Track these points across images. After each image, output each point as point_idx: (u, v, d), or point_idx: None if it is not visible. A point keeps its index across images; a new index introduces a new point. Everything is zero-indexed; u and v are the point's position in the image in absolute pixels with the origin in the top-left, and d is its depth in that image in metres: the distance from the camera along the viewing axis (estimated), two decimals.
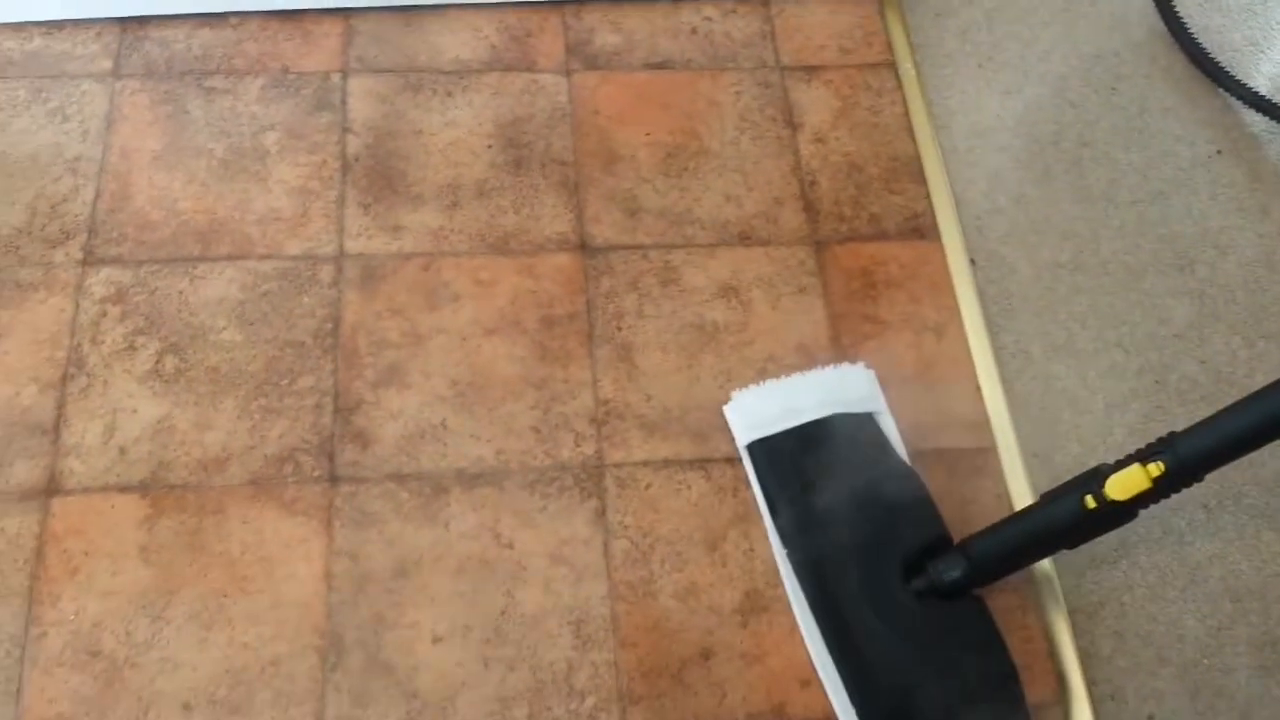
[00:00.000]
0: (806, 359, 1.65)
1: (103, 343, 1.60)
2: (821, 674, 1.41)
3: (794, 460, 1.53)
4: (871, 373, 1.62)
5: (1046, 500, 1.33)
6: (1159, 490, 1.19)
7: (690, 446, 1.57)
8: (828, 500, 1.49)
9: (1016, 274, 1.72)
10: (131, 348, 1.60)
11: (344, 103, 1.84)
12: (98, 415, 1.55)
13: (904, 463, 1.54)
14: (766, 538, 1.51)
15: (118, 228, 1.70)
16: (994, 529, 1.37)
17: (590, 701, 1.39)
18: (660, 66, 1.92)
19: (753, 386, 1.61)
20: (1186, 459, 1.18)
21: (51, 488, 1.49)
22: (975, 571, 1.39)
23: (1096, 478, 1.24)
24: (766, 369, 1.64)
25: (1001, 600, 1.47)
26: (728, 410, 1.59)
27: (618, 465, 1.55)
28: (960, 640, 1.41)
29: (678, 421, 1.59)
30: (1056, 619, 1.46)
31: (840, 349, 1.66)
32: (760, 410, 1.58)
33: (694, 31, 1.96)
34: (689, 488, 1.54)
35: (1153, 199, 1.78)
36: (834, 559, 1.45)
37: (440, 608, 1.44)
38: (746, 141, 1.84)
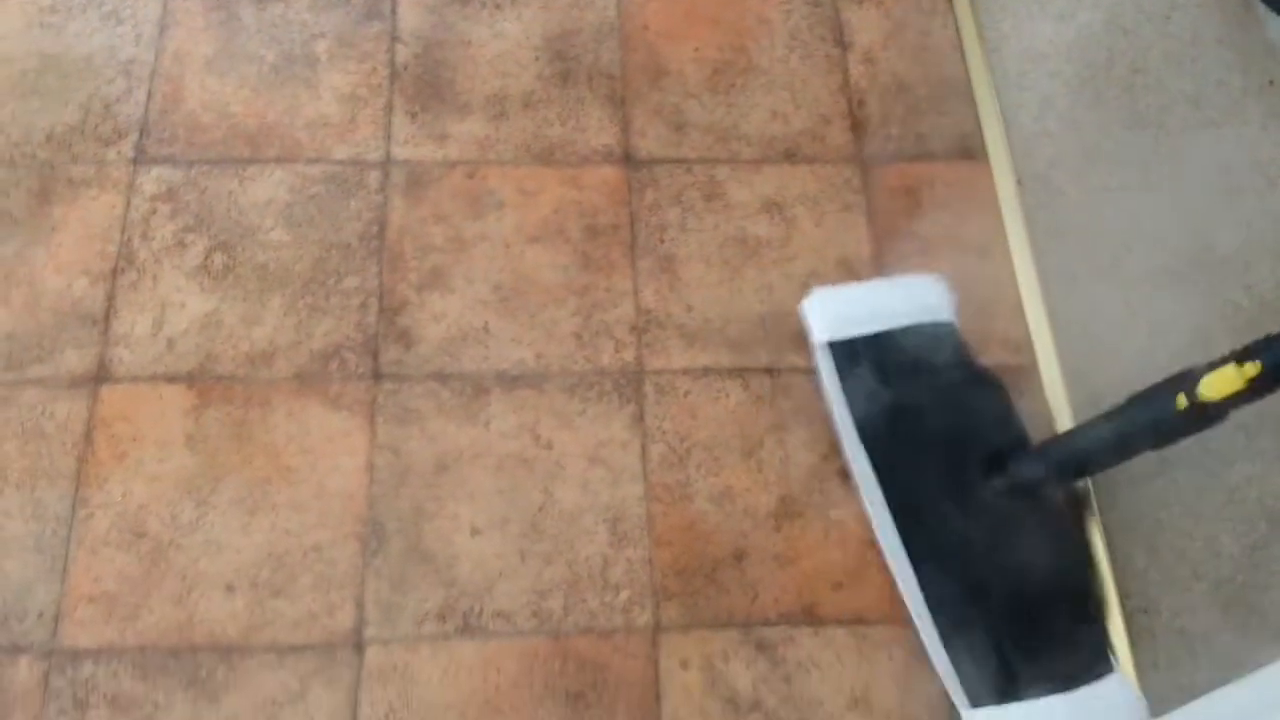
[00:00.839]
0: (849, 276, 1.65)
1: (153, 238, 1.62)
2: (893, 565, 1.43)
3: (875, 361, 1.54)
4: (944, 285, 1.62)
5: (1134, 401, 1.30)
6: (1253, 391, 1.16)
7: (729, 356, 1.58)
8: (909, 400, 1.51)
9: (1064, 197, 1.70)
10: (181, 244, 1.62)
11: (394, 12, 1.84)
12: (147, 308, 1.57)
13: (986, 369, 1.56)
14: (803, 446, 1.52)
15: (169, 129, 1.72)
16: (1077, 430, 1.37)
17: (624, 595, 1.41)
18: None
19: (831, 287, 1.62)
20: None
21: (101, 375, 1.52)
22: (1056, 471, 1.39)
23: (1188, 378, 1.21)
24: (808, 284, 1.64)
25: None
26: (805, 307, 1.60)
27: (657, 372, 1.56)
28: (1037, 538, 1.43)
29: (718, 332, 1.60)
30: (1092, 532, 1.46)
31: (883, 267, 1.66)
32: (839, 311, 1.59)
33: None
34: (727, 396, 1.55)
35: (1203, 127, 1.75)
36: (914, 456, 1.48)
37: (479, 502, 1.46)
38: (795, 60, 1.83)
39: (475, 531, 1.44)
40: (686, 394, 1.55)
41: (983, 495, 1.44)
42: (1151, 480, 1.48)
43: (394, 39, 1.82)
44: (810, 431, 1.53)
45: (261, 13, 1.84)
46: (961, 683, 1.37)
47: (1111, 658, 1.40)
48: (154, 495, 1.44)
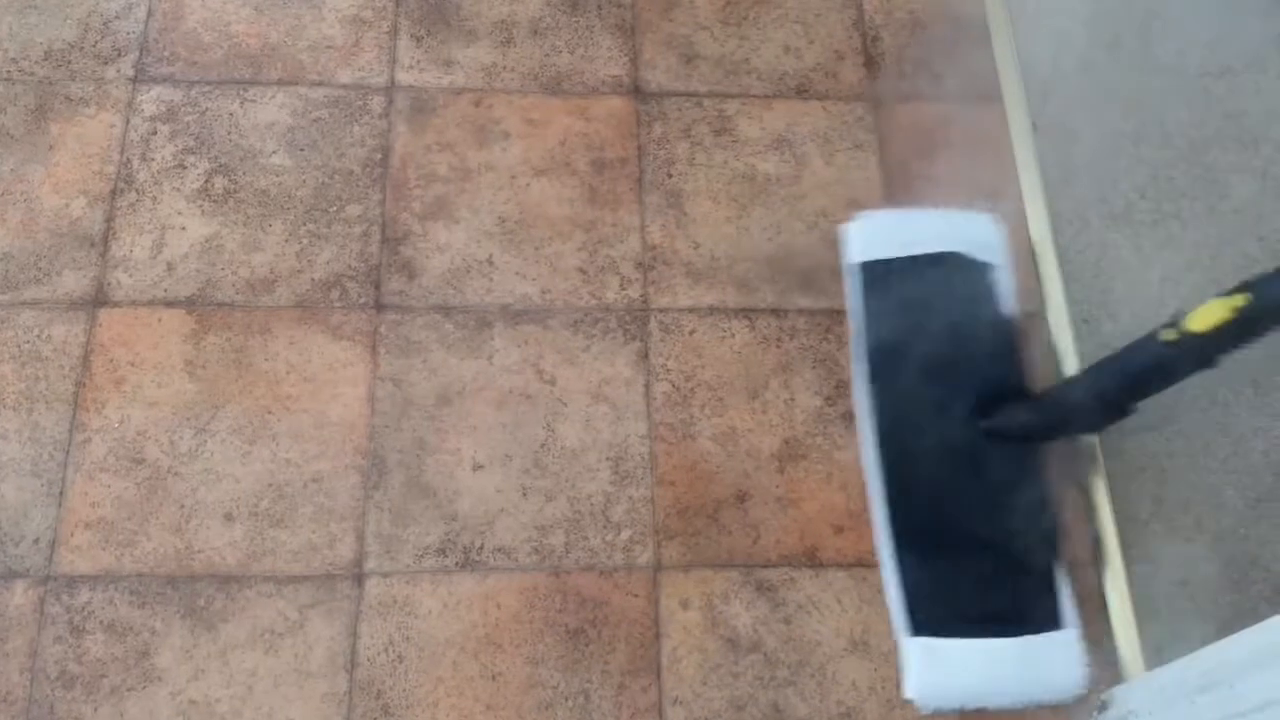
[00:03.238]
0: (857, 213, 1.62)
1: (152, 160, 1.59)
2: (868, 485, 1.45)
3: (900, 286, 1.55)
4: (999, 225, 1.61)
5: (1124, 349, 1.30)
6: (1241, 325, 1.15)
7: (736, 295, 1.56)
8: (922, 328, 1.52)
9: (1078, 141, 1.68)
10: (181, 166, 1.59)
11: None
12: (146, 230, 1.55)
13: (1005, 314, 1.55)
14: (808, 388, 1.51)
15: (169, 47, 1.68)
16: (1071, 380, 1.37)
17: (626, 534, 1.41)
18: None
19: (878, 211, 1.62)
20: (1269, 295, 1.14)
21: (99, 299, 1.50)
22: (1044, 419, 1.40)
23: (1177, 314, 1.21)
24: (817, 224, 1.62)
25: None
26: (848, 228, 1.60)
27: (662, 310, 1.55)
28: (1011, 486, 1.44)
29: (725, 270, 1.58)
30: (1095, 480, 1.46)
31: (893, 207, 1.63)
32: (881, 234, 1.59)
33: None
34: (733, 335, 1.54)
35: (1221, 74, 1.72)
36: (912, 383, 1.49)
37: (481, 436, 1.45)
38: None
39: (477, 466, 1.43)
40: (692, 332, 1.53)
41: (971, 435, 1.45)
42: (1159, 429, 1.47)
43: None
44: (816, 374, 1.51)
45: None
46: (907, 608, 1.38)
47: (1064, 615, 1.40)
48: (152, 421, 1.43)
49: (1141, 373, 1.29)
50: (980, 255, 1.58)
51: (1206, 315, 1.17)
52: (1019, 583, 1.42)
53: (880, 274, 1.55)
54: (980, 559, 1.41)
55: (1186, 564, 1.40)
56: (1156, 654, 1.36)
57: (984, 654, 1.37)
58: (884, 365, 1.49)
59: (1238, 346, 1.19)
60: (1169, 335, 1.21)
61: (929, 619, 1.38)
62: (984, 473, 1.44)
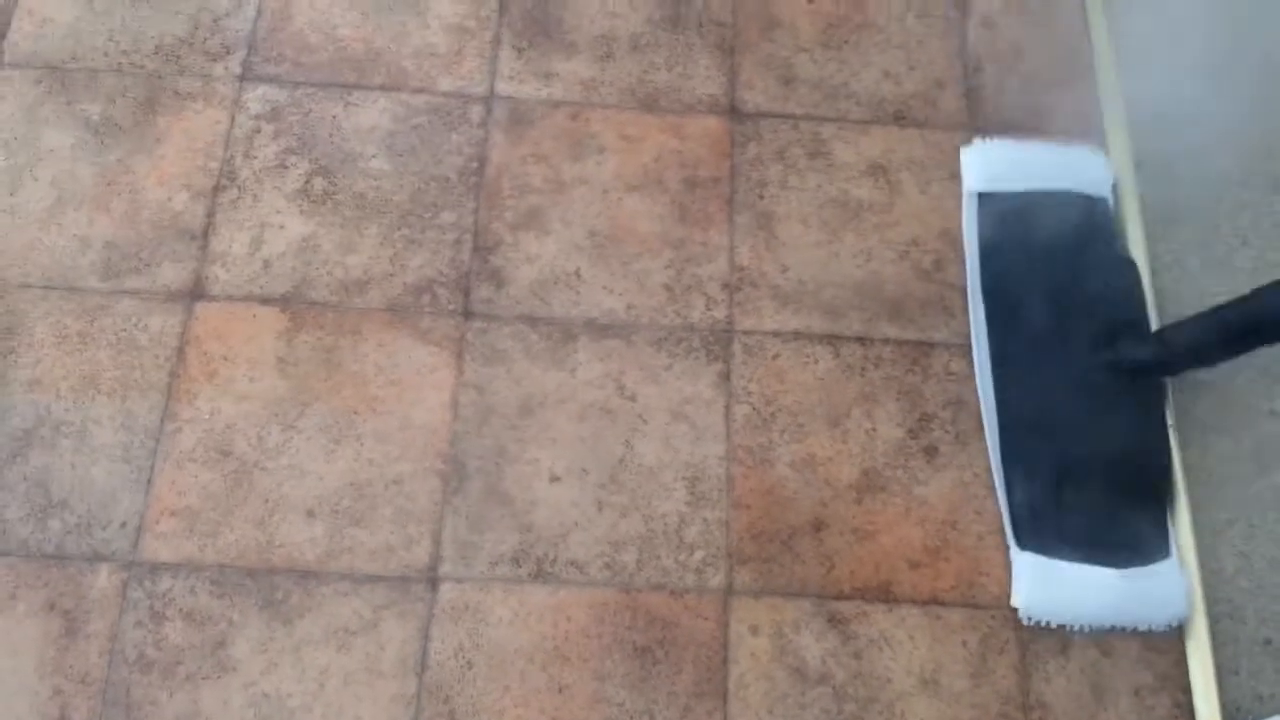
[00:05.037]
0: (951, 247, 1.61)
1: (255, 158, 1.63)
2: (983, 412, 1.49)
3: (1019, 218, 1.58)
4: (1108, 164, 1.64)
5: (1255, 291, 1.31)
6: None
7: (822, 321, 1.55)
8: (1042, 260, 1.55)
9: (1182, 182, 1.64)
10: (283, 166, 1.62)
11: None
12: (246, 227, 1.58)
13: (1123, 252, 1.58)
14: (890, 420, 1.49)
15: (277, 47, 1.72)
16: (1195, 317, 1.38)
17: (699, 555, 1.41)
18: None
19: (994, 140, 1.65)
20: None
21: (196, 292, 1.53)
22: (1164, 353, 1.43)
23: None
24: (908, 253, 1.60)
25: None
26: (965, 153, 1.64)
27: (747, 332, 1.54)
28: (1127, 420, 1.47)
29: (812, 295, 1.57)
30: (1183, 531, 1.42)
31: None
32: (999, 164, 1.62)
33: None
34: (816, 362, 1.53)
35: None
36: (1029, 314, 1.53)
37: (560, 448, 1.45)
38: (912, 19, 1.78)
39: (554, 478, 1.44)
40: (775, 356, 1.53)
41: (1087, 367, 1.48)
42: (1250, 482, 1.44)
43: None
44: (899, 406, 1.50)
45: None
46: (1013, 522, 1.43)
47: (1171, 546, 1.42)
48: (242, 415, 1.46)
49: (1271, 317, 1.30)
50: (1093, 190, 1.61)
51: None
52: (1127, 512, 1.44)
53: (997, 206, 1.59)
54: (1089, 485, 1.44)
55: (1273, 622, 1.36)
56: (1235, 713, 1.33)
57: (1092, 580, 1.39)
58: (1001, 296, 1.53)
59: None
60: None
61: (1036, 536, 1.42)
62: (1099, 403, 1.47)
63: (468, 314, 1.54)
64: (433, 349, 1.51)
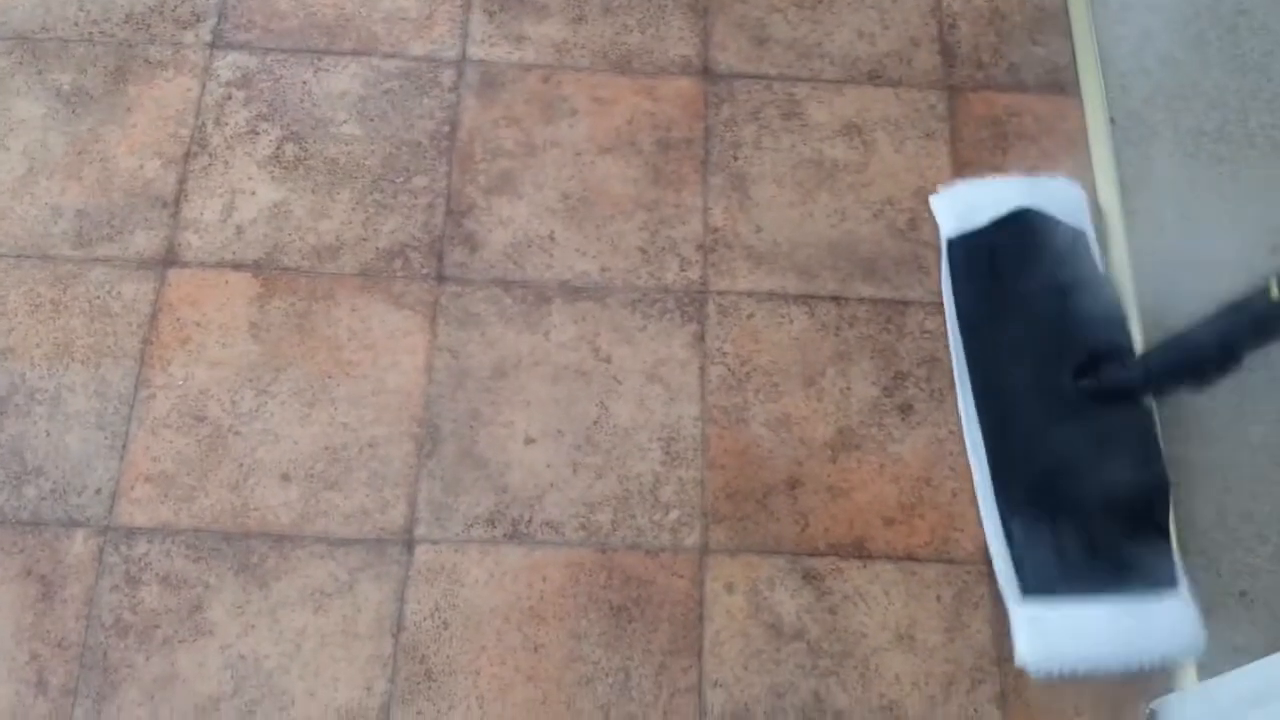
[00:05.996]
0: (924, 205, 1.60)
1: (226, 125, 1.62)
2: (968, 446, 1.44)
3: (992, 252, 1.54)
4: (1083, 192, 1.60)
5: (1226, 306, 1.27)
6: None
7: (796, 281, 1.55)
8: (1017, 291, 1.51)
9: (1157, 138, 1.64)
10: (254, 132, 1.62)
11: None
12: (217, 194, 1.57)
13: (1102, 275, 1.53)
14: (865, 378, 1.50)
15: (247, 14, 1.71)
16: (1173, 338, 1.34)
17: (674, 515, 1.41)
18: None
19: (963, 184, 1.61)
20: None
21: (169, 258, 1.53)
22: (1148, 376, 1.39)
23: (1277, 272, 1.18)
24: (883, 212, 1.60)
25: None
26: (935, 201, 1.60)
27: (721, 293, 1.54)
28: (1118, 445, 1.42)
29: (786, 256, 1.57)
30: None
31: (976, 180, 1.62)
32: (969, 203, 1.58)
33: None
34: (791, 322, 1.53)
35: None
36: (1011, 347, 1.48)
37: (535, 410, 1.45)
38: None
39: (529, 440, 1.44)
40: (750, 317, 1.53)
41: (1073, 394, 1.43)
42: (1224, 436, 1.44)
43: None
44: (874, 364, 1.50)
45: None
46: (1016, 571, 1.36)
47: (1179, 578, 1.36)
48: (215, 381, 1.46)
49: (1246, 329, 1.25)
50: (1067, 218, 1.56)
51: None
52: (1130, 543, 1.38)
53: (967, 245, 1.54)
54: (1089, 520, 1.38)
55: (1248, 574, 1.37)
56: (1209, 665, 1.33)
57: (1097, 618, 1.34)
58: (981, 331, 1.49)
59: None
60: (1274, 292, 1.18)
61: (1039, 582, 1.35)
62: (1089, 433, 1.42)
63: (441, 278, 1.53)
64: (406, 313, 1.51)
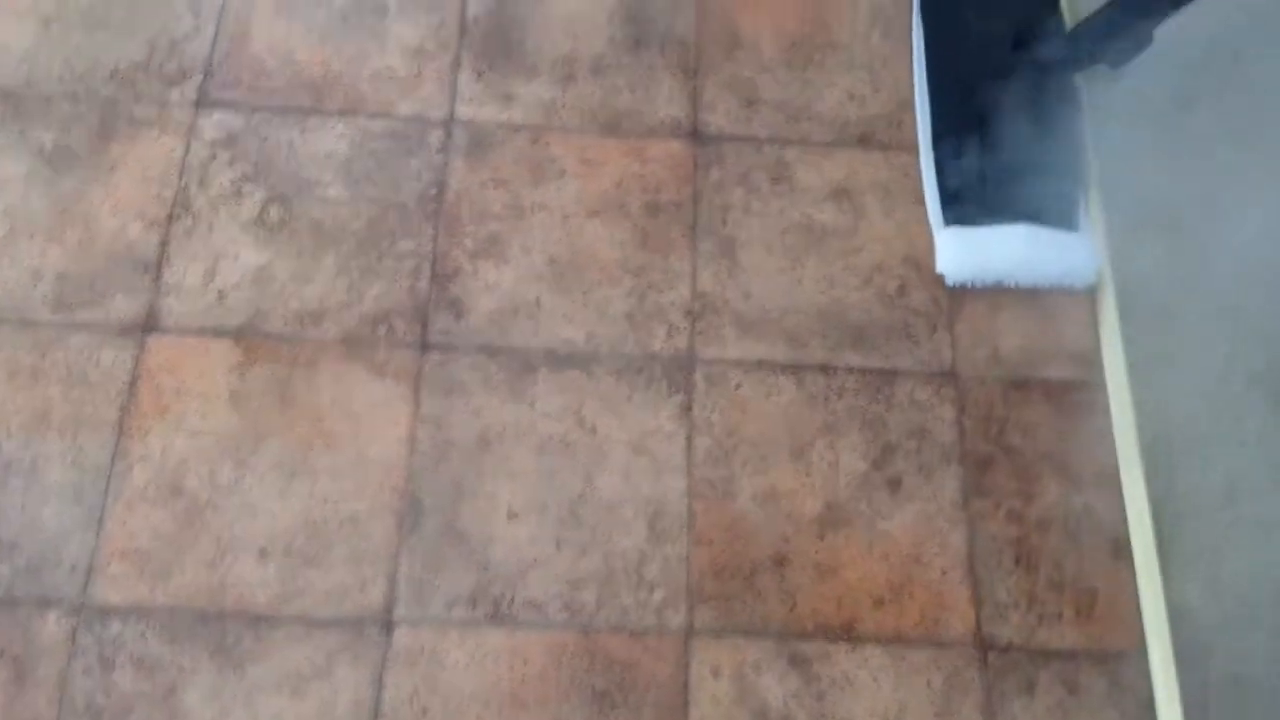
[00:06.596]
0: (915, 271, 1.59)
1: (210, 186, 1.60)
2: (916, 103, 1.69)
3: None
4: None
5: None
6: None
7: (785, 350, 1.53)
8: None
9: (1147, 206, 1.62)
10: (238, 193, 1.60)
11: None
12: (200, 257, 1.55)
13: None
14: (853, 451, 1.48)
15: (234, 71, 1.69)
16: (1095, 13, 1.53)
17: (659, 595, 1.39)
18: None
19: None
20: None
21: (149, 324, 1.51)
22: (1072, 47, 1.59)
23: None
24: (872, 279, 1.58)
25: (1092, 542, 1.43)
26: None
27: (709, 362, 1.52)
28: (1042, 108, 1.64)
29: (774, 323, 1.55)
30: (1148, 563, 1.41)
31: None
32: None
33: None
34: (779, 392, 1.51)
35: None
36: (962, 27, 1.71)
37: (519, 483, 1.43)
38: (877, 38, 1.76)
39: (512, 515, 1.42)
40: (738, 386, 1.51)
41: (1010, 64, 1.66)
42: (1218, 513, 1.43)
43: None
44: (862, 436, 1.48)
45: None
46: (941, 203, 1.60)
47: (1081, 219, 1.60)
48: (194, 452, 1.43)
49: None
50: None
51: None
52: (1043, 186, 1.59)
53: None
54: (1009, 165, 1.60)
55: (1241, 658, 1.35)
56: None
57: (1005, 237, 1.57)
58: (940, 12, 1.73)
59: None
60: None
61: (959, 211, 1.59)
62: (1018, 94, 1.63)
63: (425, 345, 1.51)
64: (389, 382, 1.49)
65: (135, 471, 1.42)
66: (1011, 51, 1.67)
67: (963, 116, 1.64)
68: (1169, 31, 1.47)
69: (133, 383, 1.47)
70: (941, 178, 1.61)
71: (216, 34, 1.71)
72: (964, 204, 1.59)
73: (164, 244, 1.56)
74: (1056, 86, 1.66)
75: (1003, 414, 1.51)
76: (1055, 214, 1.59)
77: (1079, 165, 1.63)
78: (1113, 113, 1.64)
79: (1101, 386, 1.53)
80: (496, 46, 1.72)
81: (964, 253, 1.57)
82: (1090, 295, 1.59)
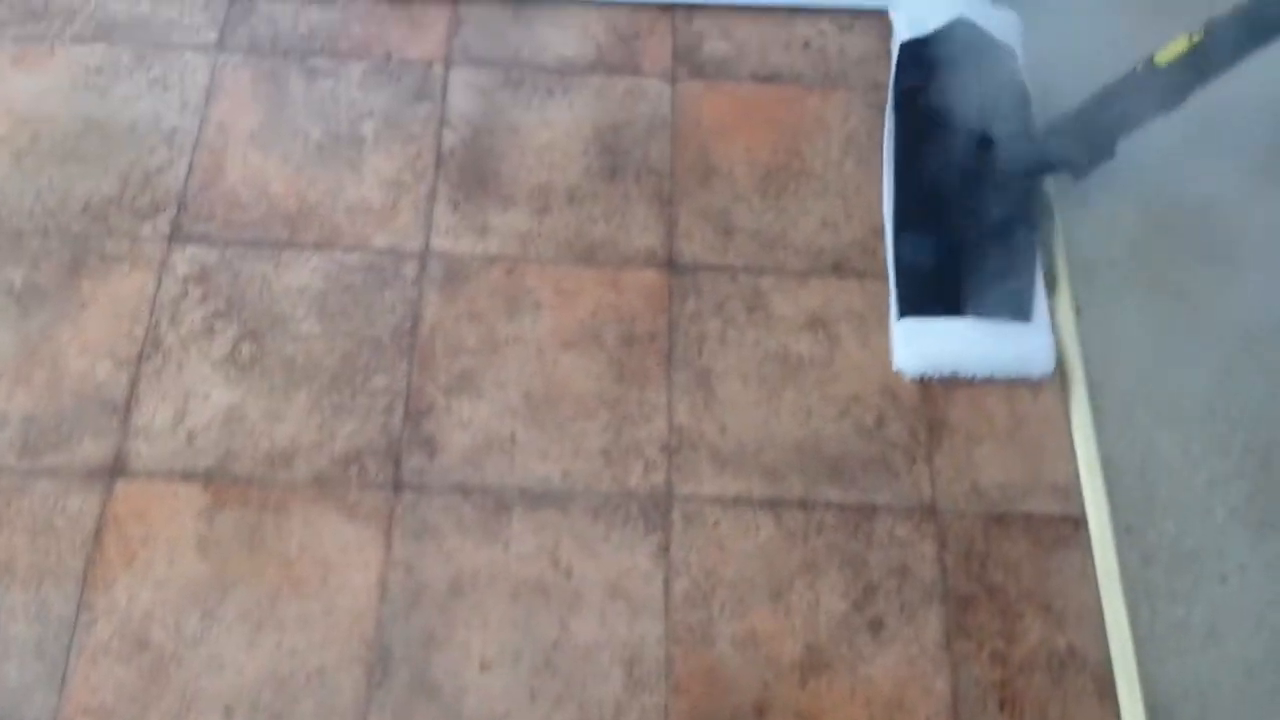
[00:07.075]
0: (891, 402, 1.58)
1: (181, 323, 1.59)
2: (884, 205, 1.72)
3: (933, 53, 1.78)
4: (1018, 21, 1.85)
5: (1101, 91, 1.52)
6: (1197, 54, 1.38)
7: (763, 485, 1.52)
8: (948, 83, 1.74)
9: (1125, 326, 1.62)
10: (210, 331, 1.59)
11: (444, 94, 1.80)
12: (170, 397, 1.54)
13: (1017, 76, 1.77)
14: (833, 591, 1.46)
15: (207, 205, 1.69)
16: (1061, 118, 1.58)
17: None
18: (768, 79, 1.85)
19: None
20: (1221, 34, 1.36)
21: (117, 468, 1.49)
22: (1037, 152, 1.63)
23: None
24: (849, 410, 1.57)
25: (1077, 683, 1.41)
26: (893, 12, 1.87)
27: (686, 499, 1.50)
28: (1002, 206, 1.67)
29: (752, 457, 1.54)
30: (1133, 706, 1.38)
31: (930, 397, 1.59)
32: (921, 15, 1.83)
33: (806, 45, 1.88)
34: (758, 530, 1.49)
35: None
36: (931, 121, 1.72)
37: (492, 631, 1.41)
38: (851, 165, 1.77)
39: (485, 665, 1.38)
40: (715, 524, 1.49)
41: (976, 164, 1.69)
42: (1202, 652, 1.41)
43: (442, 122, 1.78)
44: (842, 575, 1.46)
45: (310, 86, 1.80)
46: (899, 295, 1.62)
47: (1037, 311, 1.62)
48: (160, 602, 1.41)
49: (1117, 107, 1.50)
50: (1000, 36, 1.81)
51: (1171, 50, 1.40)
52: (999, 281, 1.62)
53: (917, 45, 1.80)
54: (966, 260, 1.64)
55: None
56: None
57: (961, 331, 1.59)
58: (910, 108, 1.75)
59: (1196, 83, 1.40)
60: (1139, 69, 1.44)
61: (915, 303, 1.61)
62: (980, 194, 1.67)
63: (398, 486, 1.49)
64: (360, 524, 1.46)
65: (99, 624, 1.39)
66: (976, 151, 1.69)
67: (924, 212, 1.67)
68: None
69: (99, 530, 1.44)
70: (899, 270, 1.64)
71: (191, 166, 1.71)
72: (918, 297, 1.61)
73: (133, 384, 1.54)
74: (1019, 187, 1.69)
75: (984, 550, 1.49)
76: (1008, 306, 1.61)
77: (1035, 261, 1.65)
78: (1085, 226, 1.68)
79: (1083, 521, 1.50)
80: (472, 177, 1.73)
81: (917, 344, 1.59)
82: (1068, 426, 1.57)
